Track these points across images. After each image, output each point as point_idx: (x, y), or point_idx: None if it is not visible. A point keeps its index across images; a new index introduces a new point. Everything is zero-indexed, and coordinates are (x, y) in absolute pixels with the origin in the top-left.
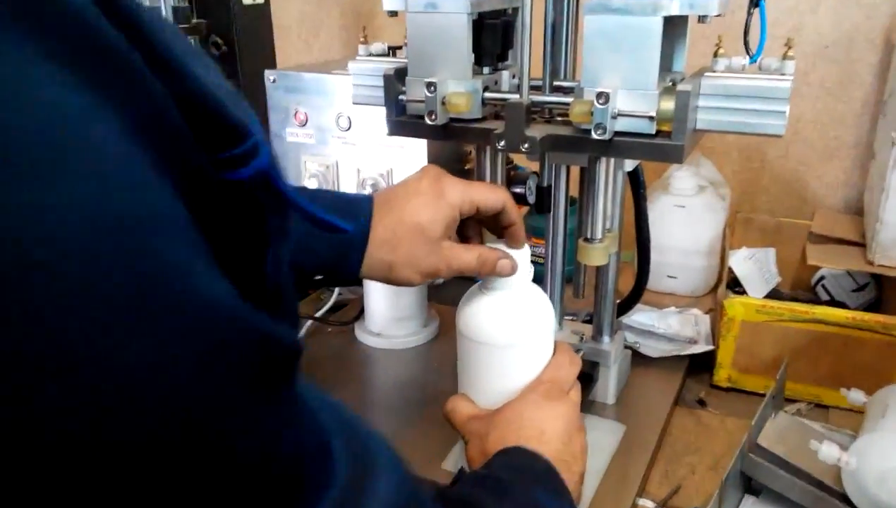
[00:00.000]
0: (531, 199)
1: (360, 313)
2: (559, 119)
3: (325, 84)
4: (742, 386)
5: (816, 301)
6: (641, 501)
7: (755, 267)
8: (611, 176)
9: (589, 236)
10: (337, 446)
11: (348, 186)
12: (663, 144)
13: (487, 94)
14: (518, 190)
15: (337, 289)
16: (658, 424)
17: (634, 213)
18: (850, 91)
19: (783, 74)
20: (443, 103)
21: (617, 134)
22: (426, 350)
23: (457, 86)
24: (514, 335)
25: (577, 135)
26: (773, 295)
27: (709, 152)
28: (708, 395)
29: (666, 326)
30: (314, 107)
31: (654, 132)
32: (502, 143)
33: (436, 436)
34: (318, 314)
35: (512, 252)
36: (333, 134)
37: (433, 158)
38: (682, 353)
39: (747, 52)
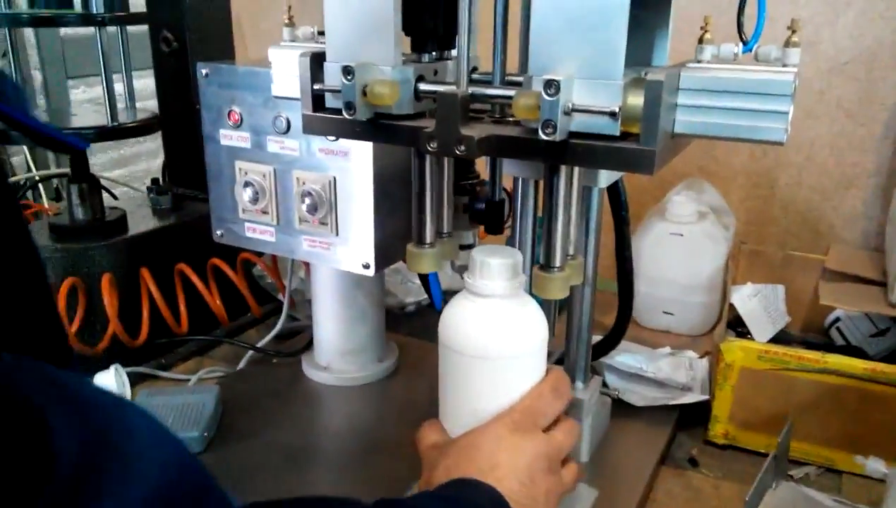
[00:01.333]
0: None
1: (309, 344)
2: (511, 119)
3: (261, 79)
4: (741, 444)
5: (830, 346)
6: None
7: (761, 305)
8: (574, 190)
9: (546, 263)
10: (60, 427)
11: (286, 197)
12: (630, 149)
13: (423, 86)
14: (483, 207)
15: (284, 313)
16: (638, 489)
17: (615, 240)
18: (870, 112)
19: (785, 65)
20: (364, 94)
21: (573, 135)
22: (380, 388)
23: (382, 74)
24: (497, 347)
25: (524, 137)
26: (781, 337)
27: (712, 177)
28: (701, 453)
29: (656, 369)
30: (249, 106)
31: (618, 133)
32: (433, 144)
33: (381, 492)
34: (262, 343)
35: (502, 256)
36: (271, 137)
37: (380, 169)
38: (672, 402)
39: (741, 38)
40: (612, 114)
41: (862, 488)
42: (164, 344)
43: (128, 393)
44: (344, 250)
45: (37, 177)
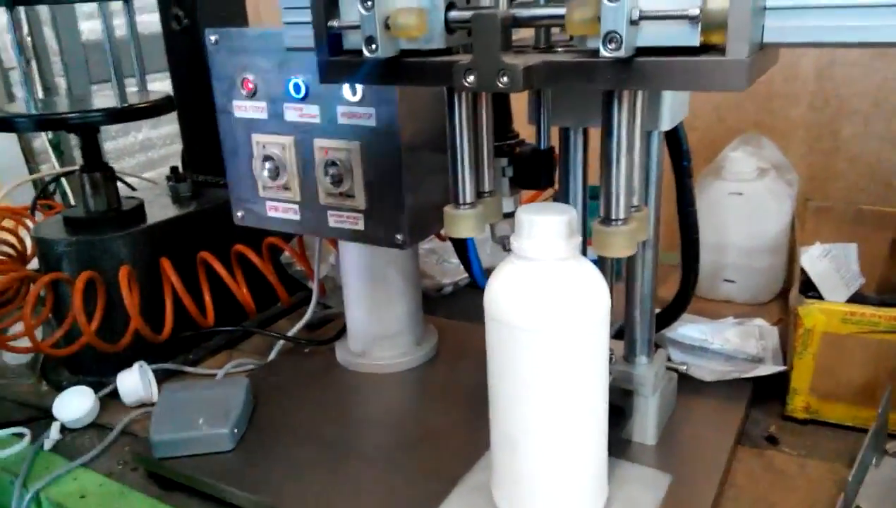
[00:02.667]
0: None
1: (343, 330)
2: (561, 49)
3: (273, 40)
4: (824, 418)
5: None
6: None
7: (832, 266)
8: (637, 127)
9: (608, 216)
10: None
11: (308, 170)
12: (714, 62)
13: (454, 13)
14: (524, 169)
15: (314, 300)
16: (716, 472)
17: (676, 194)
18: None
19: None
20: (387, 27)
21: (640, 52)
22: (419, 374)
23: (407, 2)
24: (554, 318)
25: (580, 60)
26: (856, 300)
27: (769, 132)
28: (780, 430)
29: (723, 341)
30: (263, 72)
31: (697, 43)
32: (471, 78)
33: (425, 485)
34: (293, 332)
35: (554, 212)
36: (288, 104)
37: (410, 132)
38: (745, 376)
39: None
40: (692, 19)
41: None
42: (190, 338)
43: (154, 392)
44: (373, 224)
45: (59, 174)
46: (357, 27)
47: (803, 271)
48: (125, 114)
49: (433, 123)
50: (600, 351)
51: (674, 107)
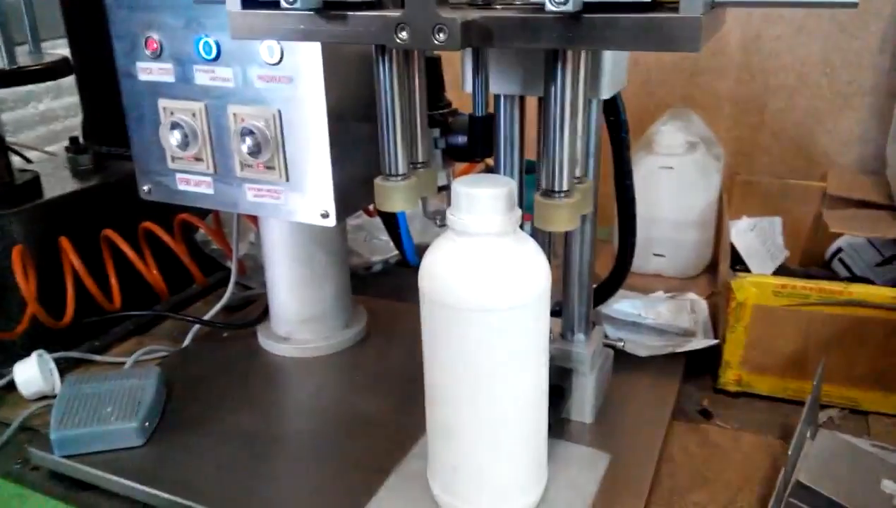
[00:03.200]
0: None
1: (265, 313)
2: (500, 6)
3: None
4: (755, 390)
5: (833, 278)
6: None
7: (758, 239)
8: (580, 92)
9: (550, 188)
10: None
11: (223, 139)
12: (667, 20)
13: None
14: (458, 141)
15: (233, 280)
16: (654, 448)
17: (614, 167)
18: (865, 24)
19: None
20: None
21: (588, 6)
22: (348, 357)
23: None
24: (494, 297)
25: (524, 16)
26: (781, 273)
27: (695, 107)
28: (712, 403)
29: (655, 315)
30: (170, 30)
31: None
32: (404, 35)
33: (356, 476)
34: (210, 315)
35: (492, 185)
36: (199, 66)
37: (336, 97)
38: (679, 350)
39: None
40: None
41: (891, 428)
42: (95, 323)
43: (56, 383)
44: (297, 198)
45: None
46: None
47: (732, 245)
48: (13, 76)
49: (361, 88)
50: (542, 329)
51: (614, 74)
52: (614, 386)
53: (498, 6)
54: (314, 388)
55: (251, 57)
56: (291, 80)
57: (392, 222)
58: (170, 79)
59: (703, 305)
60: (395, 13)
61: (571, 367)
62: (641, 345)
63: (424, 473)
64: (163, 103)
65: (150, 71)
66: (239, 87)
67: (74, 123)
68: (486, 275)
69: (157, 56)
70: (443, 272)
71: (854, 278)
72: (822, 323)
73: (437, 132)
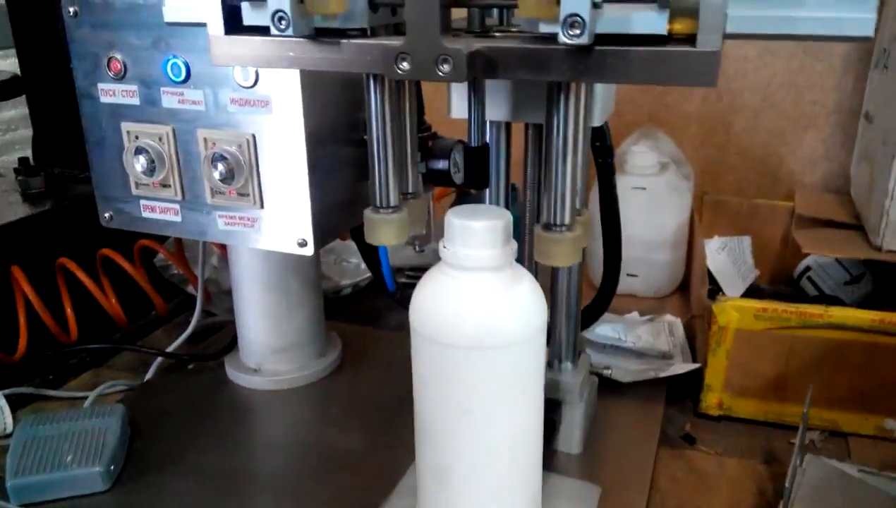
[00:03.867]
0: (458, 178)
1: (233, 342)
2: (498, 34)
3: (147, 12)
4: (736, 414)
5: (803, 297)
6: None
7: (729, 259)
8: (580, 123)
9: (552, 221)
10: None
11: (192, 165)
12: (685, 53)
13: None
14: (439, 166)
15: (198, 309)
16: (644, 478)
17: (600, 192)
18: (829, 45)
19: None
20: (300, 0)
21: (601, 39)
22: (322, 388)
23: None
24: (492, 334)
25: (534, 48)
26: (752, 291)
27: (663, 126)
28: (694, 428)
29: (635, 338)
30: (135, 50)
31: (665, 31)
32: (405, 65)
33: None
34: (173, 346)
35: (488, 217)
36: (166, 88)
37: (313, 121)
38: (662, 375)
39: None
40: (661, 3)
41: (870, 449)
42: (49, 356)
43: (8, 423)
44: (273, 226)
45: None
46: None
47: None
48: None
49: (339, 111)
50: (540, 363)
51: (605, 102)
52: (598, 414)
53: (496, 34)
54: (289, 422)
55: (223, 79)
56: (267, 104)
57: (370, 249)
58: (134, 101)
59: (680, 327)
60: (394, 42)
61: (560, 398)
62: (624, 371)
63: None
64: (127, 127)
65: (113, 93)
66: (210, 111)
67: (16, 138)
68: (481, 312)
69: (121, 77)
70: (435, 308)
71: (823, 296)
72: (802, 347)
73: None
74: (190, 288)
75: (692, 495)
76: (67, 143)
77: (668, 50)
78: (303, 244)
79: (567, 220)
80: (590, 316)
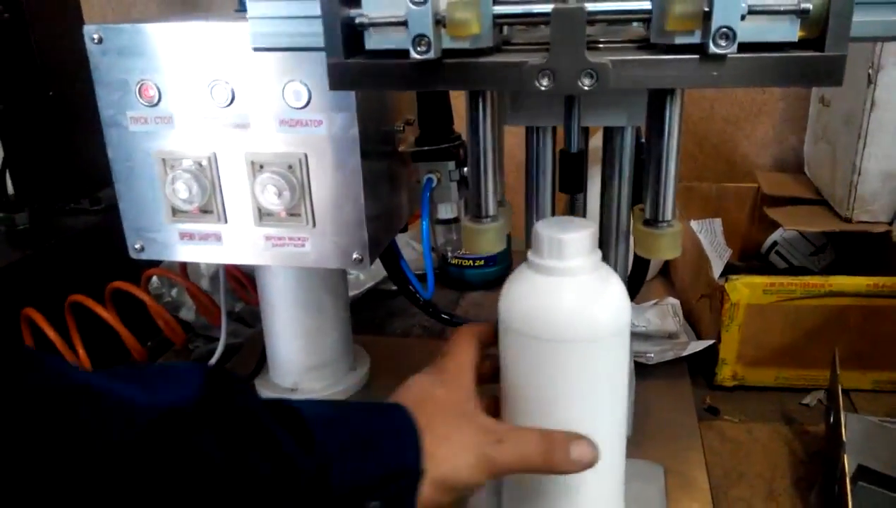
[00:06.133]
0: None
1: (262, 363)
2: (602, 45)
3: (188, 37)
4: (750, 383)
5: (772, 270)
6: None
7: (706, 240)
8: (681, 129)
9: (656, 217)
10: None
11: (236, 187)
12: (815, 58)
13: (501, 8)
14: None
15: (223, 337)
16: (698, 453)
17: (633, 186)
18: None
19: None
20: (438, 23)
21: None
22: (358, 399)
23: None
24: (578, 329)
25: (672, 58)
26: (728, 270)
27: None
28: (713, 399)
29: (645, 322)
30: (170, 76)
31: (796, 39)
32: (546, 81)
33: None
34: None
35: (576, 228)
36: (208, 113)
37: (364, 138)
38: (683, 354)
39: None
40: (799, 13)
41: (872, 402)
42: None
43: None
44: (326, 244)
45: None
46: (394, 23)
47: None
48: None
49: (377, 126)
50: (626, 357)
51: None
52: (636, 396)
53: (600, 45)
54: None
55: (272, 101)
56: (320, 123)
57: (393, 262)
58: (170, 127)
59: (680, 309)
60: (534, 59)
61: None
62: (653, 353)
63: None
64: (163, 154)
65: (146, 120)
66: (258, 132)
67: None
68: (579, 309)
69: (154, 103)
70: (534, 306)
71: (792, 268)
72: (806, 315)
73: (451, 165)
74: (183, 314)
75: (733, 462)
76: (49, 175)
77: (801, 55)
78: (358, 259)
79: (669, 216)
80: None
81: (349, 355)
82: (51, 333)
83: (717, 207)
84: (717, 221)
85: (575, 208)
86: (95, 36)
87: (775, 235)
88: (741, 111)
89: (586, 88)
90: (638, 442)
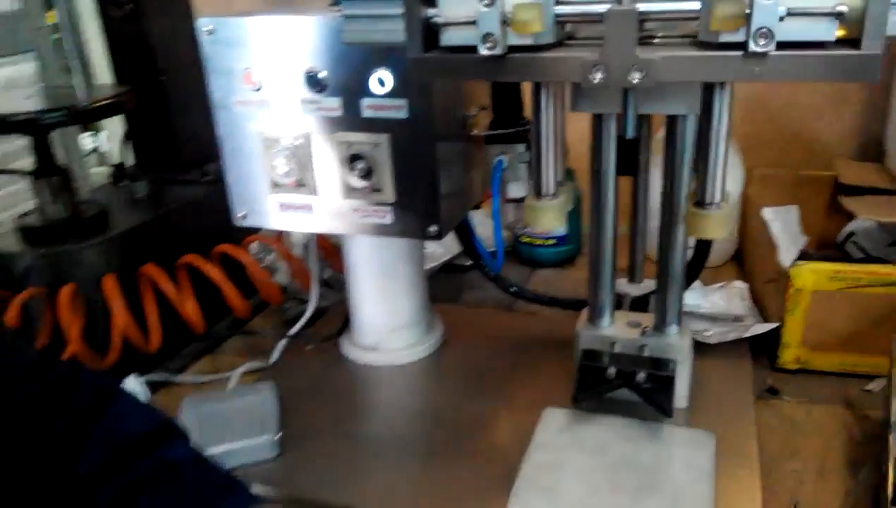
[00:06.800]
0: None
1: (345, 324)
2: (657, 41)
3: (287, 29)
4: (813, 367)
5: (848, 260)
6: None
7: (781, 228)
8: (730, 118)
9: (706, 200)
10: None
11: (326, 164)
12: (852, 56)
13: (563, 9)
14: None
15: (315, 297)
16: (750, 426)
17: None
18: None
19: None
20: (504, 22)
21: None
22: (435, 363)
23: None
24: None
25: (716, 55)
26: (803, 257)
27: None
28: (775, 381)
29: (711, 304)
30: (271, 64)
31: (834, 39)
32: (599, 74)
33: (489, 471)
34: (296, 329)
35: None
36: (304, 97)
37: (440, 122)
38: (746, 335)
39: None
40: (838, 15)
41: None
42: (181, 345)
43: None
44: (405, 217)
45: None
46: (464, 23)
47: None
48: (90, 113)
49: (452, 112)
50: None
51: None
52: (694, 372)
53: (655, 40)
54: (415, 393)
55: (359, 87)
56: (402, 108)
57: (467, 238)
58: (272, 109)
59: (748, 293)
60: (589, 54)
61: (672, 357)
62: (714, 333)
63: (552, 463)
64: (265, 133)
65: (250, 103)
66: (347, 116)
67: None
68: None
69: (257, 89)
70: None
71: (869, 258)
72: (873, 303)
73: (521, 147)
74: (277, 278)
75: (788, 440)
76: (162, 150)
77: (838, 54)
78: (433, 231)
79: (718, 198)
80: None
81: (425, 320)
82: (168, 287)
83: (795, 195)
84: (794, 208)
85: (638, 191)
86: (207, 28)
87: (852, 225)
88: (823, 99)
89: (635, 82)
90: (692, 413)
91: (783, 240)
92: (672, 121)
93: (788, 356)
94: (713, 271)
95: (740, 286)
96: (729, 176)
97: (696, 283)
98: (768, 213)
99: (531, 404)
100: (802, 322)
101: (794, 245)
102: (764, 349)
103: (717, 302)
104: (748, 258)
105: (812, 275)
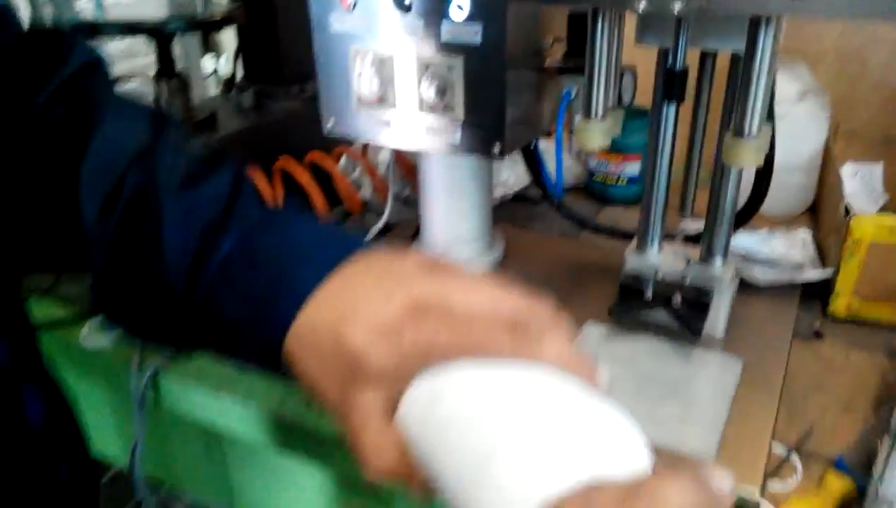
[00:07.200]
0: (627, 98)
1: (415, 236)
2: None
3: None
4: (864, 317)
5: None
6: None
7: (860, 184)
8: (775, 53)
9: (743, 130)
10: None
11: (407, 83)
12: None
13: None
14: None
15: (388, 209)
16: (780, 357)
17: None
18: None
19: None
20: None
21: None
22: (496, 274)
23: None
24: None
25: None
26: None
27: (800, 55)
28: (822, 326)
29: (771, 249)
30: None
31: None
32: (643, 4)
33: None
34: (374, 232)
35: None
36: (391, 18)
37: (513, 50)
38: (798, 281)
39: None
40: None
41: None
42: None
43: None
44: (473, 136)
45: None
46: None
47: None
48: (206, 24)
49: (529, 42)
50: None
51: None
52: (737, 309)
53: None
54: None
55: (441, 11)
56: (477, 33)
57: (535, 166)
58: (361, 30)
59: (811, 242)
60: None
61: (711, 287)
62: (761, 275)
63: None
64: (354, 51)
65: (344, 23)
66: (427, 37)
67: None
68: None
69: (352, 9)
70: None
71: None
72: None
73: None
74: (361, 193)
75: (819, 375)
76: (269, 65)
77: None
78: (497, 151)
79: (755, 130)
80: (738, 221)
81: (487, 236)
82: (261, 184)
83: (883, 154)
84: (878, 166)
85: (696, 124)
86: None
87: None
88: None
89: (676, 12)
90: (726, 343)
91: (860, 197)
92: (736, 59)
93: (839, 304)
94: (786, 221)
95: (804, 234)
96: (809, 129)
97: (761, 229)
98: (848, 168)
99: (576, 320)
100: (857, 272)
101: (874, 202)
102: (818, 296)
103: (776, 248)
104: (821, 210)
105: (872, 227)
